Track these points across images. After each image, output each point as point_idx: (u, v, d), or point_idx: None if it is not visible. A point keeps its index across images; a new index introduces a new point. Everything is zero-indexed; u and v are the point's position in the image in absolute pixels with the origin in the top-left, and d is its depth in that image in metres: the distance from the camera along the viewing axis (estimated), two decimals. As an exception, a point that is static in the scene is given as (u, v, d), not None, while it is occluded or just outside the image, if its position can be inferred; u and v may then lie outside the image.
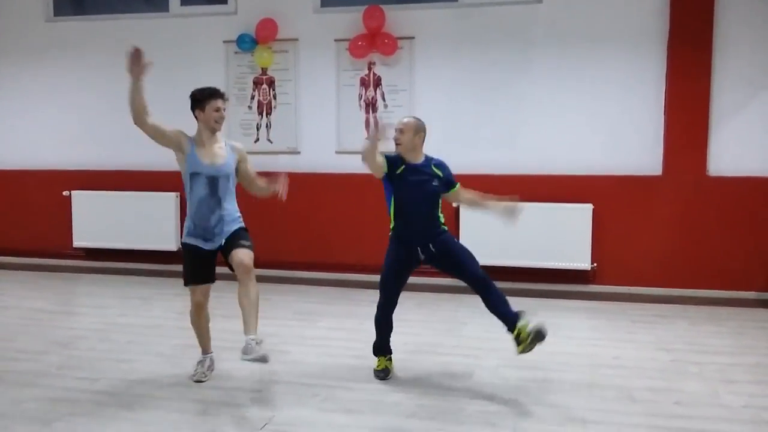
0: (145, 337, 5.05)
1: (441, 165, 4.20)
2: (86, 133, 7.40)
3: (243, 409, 3.77)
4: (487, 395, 3.95)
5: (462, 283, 4.18)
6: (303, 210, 6.84)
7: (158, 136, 3.98)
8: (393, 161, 4.11)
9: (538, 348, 4.67)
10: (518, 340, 3.87)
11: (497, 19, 6.46)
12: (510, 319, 3.95)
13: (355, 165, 6.63)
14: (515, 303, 5.86)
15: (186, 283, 4.11)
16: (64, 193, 7.35)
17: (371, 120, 4.11)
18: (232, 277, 3.99)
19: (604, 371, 4.34)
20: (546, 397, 3.92)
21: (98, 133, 7.33)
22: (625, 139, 6.27)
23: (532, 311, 5.68)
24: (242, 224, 4.16)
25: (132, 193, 7.15)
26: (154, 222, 7.09)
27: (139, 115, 3.83)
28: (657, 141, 6.19)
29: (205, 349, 4.32)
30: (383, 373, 4.23)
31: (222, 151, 4.08)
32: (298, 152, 6.96)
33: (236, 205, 4.17)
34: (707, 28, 5.99)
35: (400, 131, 4.10)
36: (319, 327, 5.36)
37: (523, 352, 3.89)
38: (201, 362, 4.27)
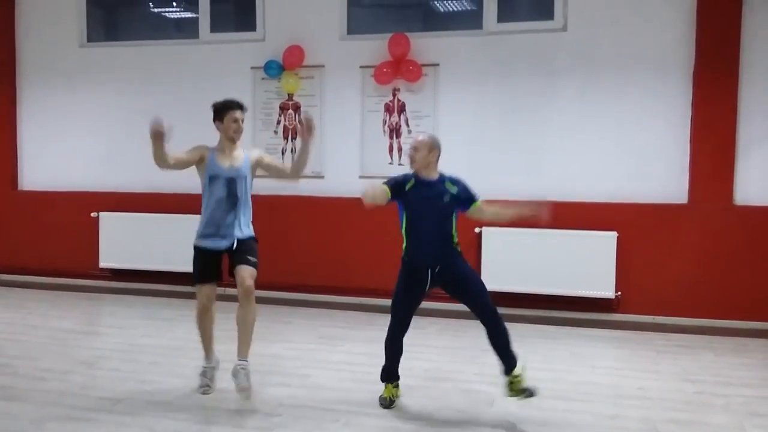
0: (168, 358, 5.09)
1: (455, 181, 4.15)
2: (115, 156, 7.54)
3: (263, 433, 3.77)
4: (508, 424, 3.91)
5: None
6: (326, 234, 6.89)
7: (183, 165, 4.28)
8: (400, 180, 4.13)
9: (562, 377, 4.69)
10: (511, 387, 4.00)
11: (522, 47, 6.49)
12: (508, 363, 4.03)
13: (378, 190, 6.70)
14: (538, 331, 5.91)
15: (195, 282, 4.31)
16: (92, 214, 7.46)
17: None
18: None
19: (628, 402, 4.28)
20: (569, 428, 3.87)
21: (126, 156, 7.45)
22: (651, 166, 6.23)
23: (555, 339, 5.70)
24: (253, 233, 4.36)
25: (158, 215, 7.24)
26: (179, 244, 7.09)
27: (160, 163, 4.14)
28: (683, 169, 6.14)
29: (208, 354, 4.45)
30: (387, 402, 4.17)
31: (240, 157, 4.33)
32: (322, 177, 7.02)
33: (251, 213, 4.38)
34: (734, 54, 5.97)
35: (415, 149, 4.11)
36: (341, 351, 5.36)
37: (510, 397, 4.03)
38: (203, 373, 4.43)
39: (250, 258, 4.21)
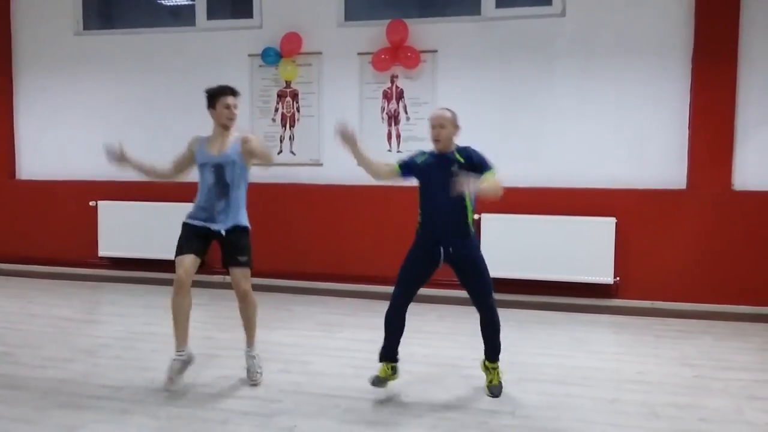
0: (168, 345, 5.04)
1: (464, 150, 4.00)
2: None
3: (265, 419, 3.78)
4: (509, 409, 3.93)
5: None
6: (325, 221, 6.89)
7: (185, 166, 4.38)
8: (413, 156, 4.13)
9: (561, 362, 4.72)
10: (488, 372, 4.22)
11: (520, 33, 6.48)
12: (491, 351, 4.20)
13: (377, 177, 6.70)
14: (538, 317, 5.93)
15: (176, 255, 4.23)
16: (91, 203, 7.46)
17: (337, 129, 4.14)
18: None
19: (628, 386, 4.30)
20: (568, 413, 3.89)
21: (124, 144, 7.40)
22: (649, 152, 6.24)
23: (554, 324, 5.72)
24: (246, 222, 4.30)
25: (157, 203, 7.23)
26: (178, 232, 7.13)
27: (162, 178, 4.34)
28: (681, 154, 6.15)
29: (179, 341, 4.20)
30: (379, 381, 4.08)
31: (230, 143, 4.26)
32: (321, 164, 7.01)
33: (244, 200, 4.31)
34: (732, 40, 5.96)
35: (441, 126, 3.96)
36: (340, 338, 5.38)
37: (483, 373, 4.26)
38: (171, 364, 4.17)
39: (241, 258, 4.19)
